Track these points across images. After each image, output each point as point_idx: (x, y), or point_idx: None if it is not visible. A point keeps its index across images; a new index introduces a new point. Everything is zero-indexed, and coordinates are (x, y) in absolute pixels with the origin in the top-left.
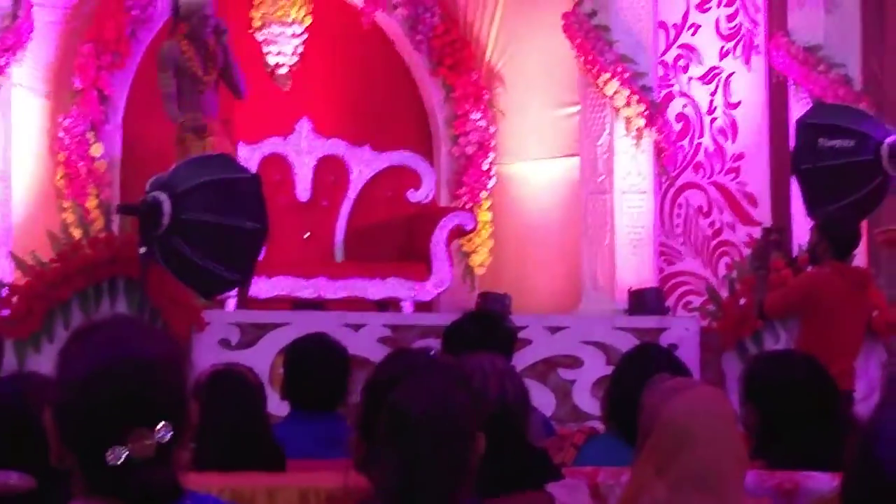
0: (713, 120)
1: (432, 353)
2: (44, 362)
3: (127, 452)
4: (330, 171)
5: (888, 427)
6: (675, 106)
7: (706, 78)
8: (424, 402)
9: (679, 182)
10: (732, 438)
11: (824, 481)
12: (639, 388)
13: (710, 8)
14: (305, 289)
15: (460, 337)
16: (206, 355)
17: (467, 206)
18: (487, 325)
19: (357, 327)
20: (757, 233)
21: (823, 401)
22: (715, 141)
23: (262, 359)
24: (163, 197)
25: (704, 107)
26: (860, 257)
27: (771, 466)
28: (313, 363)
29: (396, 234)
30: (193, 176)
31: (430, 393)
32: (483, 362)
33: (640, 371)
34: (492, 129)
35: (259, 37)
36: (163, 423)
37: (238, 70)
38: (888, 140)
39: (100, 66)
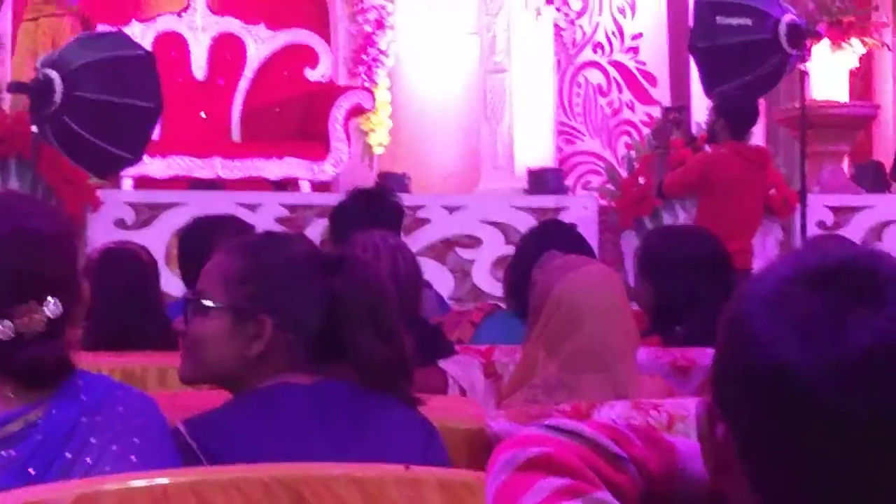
0: None
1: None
2: None
3: (15, 327)
4: (226, 50)
5: (756, 291)
6: None
7: None
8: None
9: (578, 61)
10: (622, 316)
11: None
12: (537, 264)
13: None
14: (202, 169)
15: (347, 215)
16: (102, 235)
17: (365, 85)
18: (373, 200)
19: (254, 207)
20: (656, 112)
21: (717, 275)
22: (614, 19)
23: (157, 238)
24: (54, 75)
25: None
26: (758, 136)
27: (666, 343)
28: (213, 240)
29: (294, 114)
30: (85, 54)
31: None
32: (374, 238)
33: (541, 248)
34: (389, 7)
35: None
36: (52, 297)
37: None
38: (786, 17)
39: None
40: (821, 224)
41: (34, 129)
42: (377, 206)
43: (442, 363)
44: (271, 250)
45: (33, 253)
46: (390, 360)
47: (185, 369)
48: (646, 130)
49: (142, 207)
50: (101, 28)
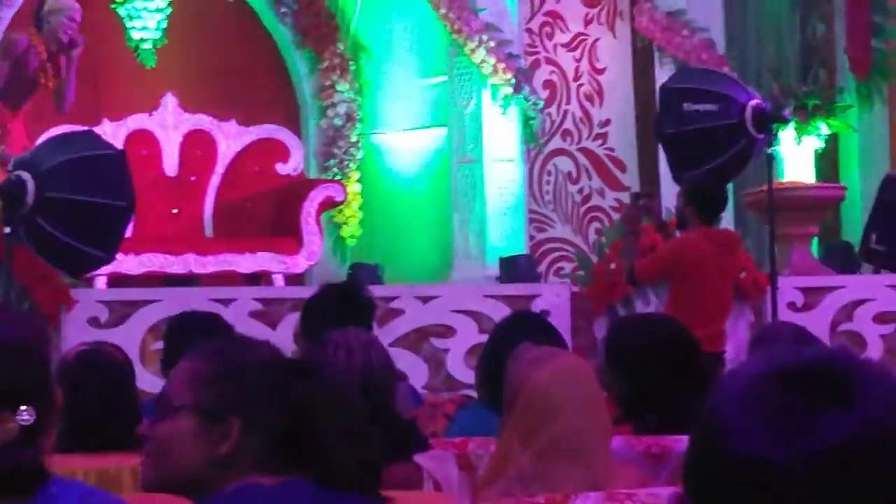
0: (580, 86)
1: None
2: None
3: None
4: (197, 146)
5: (731, 387)
6: (542, 73)
7: (572, 45)
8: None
9: (547, 149)
10: (596, 407)
11: None
12: (509, 357)
13: None
14: (175, 265)
15: (318, 311)
16: (76, 334)
17: (336, 178)
18: (344, 297)
19: (227, 302)
20: (626, 198)
21: (686, 363)
22: (582, 107)
23: (132, 336)
24: (26, 176)
25: (571, 73)
26: (727, 220)
27: (638, 431)
28: (193, 337)
29: (266, 208)
30: (57, 154)
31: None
32: (346, 336)
33: (513, 339)
34: (359, 100)
35: (122, 12)
36: (25, 406)
37: (72, 89)
38: (752, 102)
39: None
40: (791, 305)
41: (7, 229)
42: (348, 302)
43: (417, 458)
44: (239, 353)
45: (5, 362)
46: (360, 463)
47: (149, 474)
48: (616, 216)
49: (116, 305)
50: (73, 128)
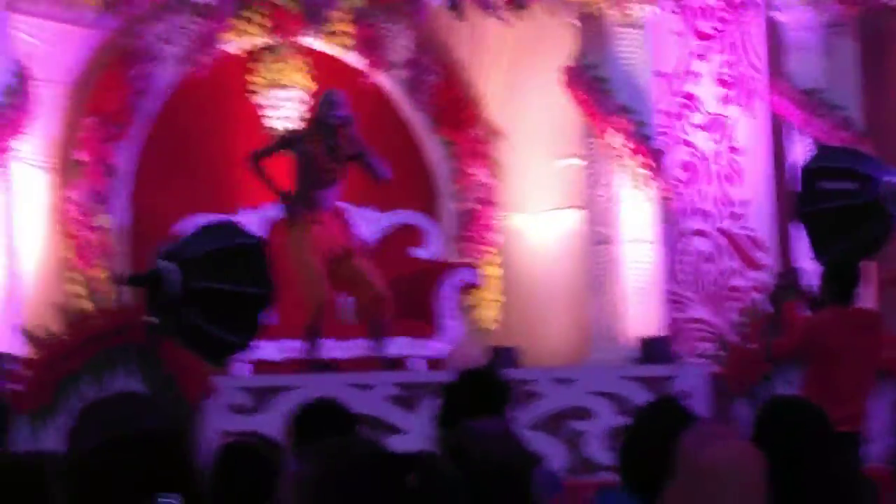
0: (718, 166)
1: None
2: (56, 434)
3: None
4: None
5: None
6: (680, 154)
7: (709, 125)
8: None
9: (685, 229)
10: (759, 497)
11: None
12: (654, 443)
13: (707, 56)
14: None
15: (456, 397)
16: (218, 420)
17: (473, 262)
18: (481, 382)
19: (366, 387)
20: (766, 277)
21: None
22: (720, 187)
23: (273, 422)
24: (170, 266)
25: (708, 154)
26: (870, 297)
27: None
28: (319, 428)
29: (404, 293)
30: (200, 244)
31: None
32: (484, 427)
33: (655, 426)
34: (495, 184)
35: (261, 100)
36: (171, 494)
37: (373, 155)
38: (890, 180)
39: (103, 139)
40: None
41: (151, 319)
42: (485, 388)
43: None
44: (347, 451)
45: (150, 453)
46: None
47: None
48: (756, 296)
49: (257, 392)
50: (214, 217)
